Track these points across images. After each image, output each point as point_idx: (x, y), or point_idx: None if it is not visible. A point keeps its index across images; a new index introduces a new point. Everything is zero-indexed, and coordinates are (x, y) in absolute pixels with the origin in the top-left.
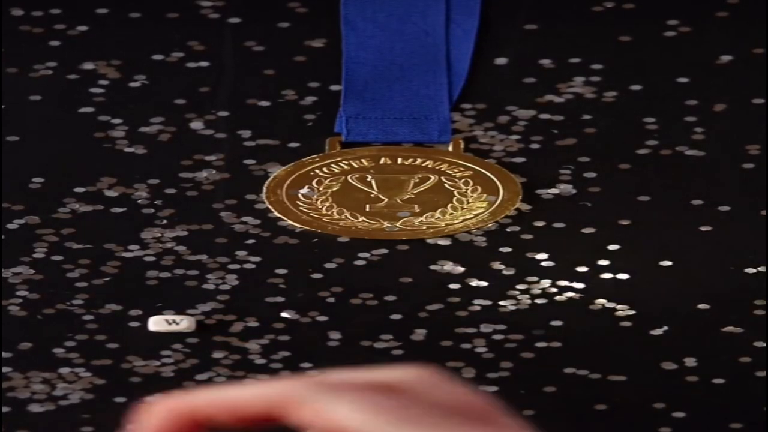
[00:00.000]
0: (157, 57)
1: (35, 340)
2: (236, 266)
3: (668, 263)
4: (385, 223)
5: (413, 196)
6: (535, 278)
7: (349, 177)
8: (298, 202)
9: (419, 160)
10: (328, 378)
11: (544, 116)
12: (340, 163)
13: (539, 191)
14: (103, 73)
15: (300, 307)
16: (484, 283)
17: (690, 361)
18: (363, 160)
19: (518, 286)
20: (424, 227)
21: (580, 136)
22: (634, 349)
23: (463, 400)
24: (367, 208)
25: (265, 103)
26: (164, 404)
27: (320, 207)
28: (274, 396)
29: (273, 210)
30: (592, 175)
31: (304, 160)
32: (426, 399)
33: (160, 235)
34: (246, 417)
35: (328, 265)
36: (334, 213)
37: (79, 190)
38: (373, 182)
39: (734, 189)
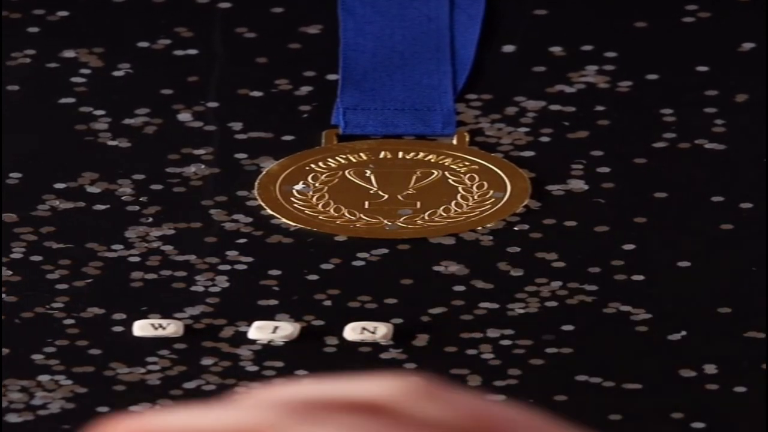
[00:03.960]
0: (143, 44)
1: (12, 346)
2: (227, 267)
3: (686, 264)
4: (385, 221)
5: (415, 192)
6: (544, 280)
7: (346, 172)
8: (292, 198)
9: (421, 154)
10: (303, 397)
11: (555, 107)
12: (338, 158)
13: (549, 187)
14: (84, 61)
15: (295, 311)
16: (491, 285)
17: (710, 368)
18: (362, 154)
19: (527, 289)
20: (427, 225)
21: (593, 129)
22: (650, 355)
23: (462, 415)
24: (366, 205)
25: (257, 94)
26: (123, 423)
27: (316, 204)
28: (244, 424)
29: (266, 207)
30: (606, 170)
31: (298, 154)
32: (416, 417)
33: (145, 234)
34: None
35: (324, 266)
36: (331, 210)
37: (60, 186)
38: (372, 178)
39: (757, 185)
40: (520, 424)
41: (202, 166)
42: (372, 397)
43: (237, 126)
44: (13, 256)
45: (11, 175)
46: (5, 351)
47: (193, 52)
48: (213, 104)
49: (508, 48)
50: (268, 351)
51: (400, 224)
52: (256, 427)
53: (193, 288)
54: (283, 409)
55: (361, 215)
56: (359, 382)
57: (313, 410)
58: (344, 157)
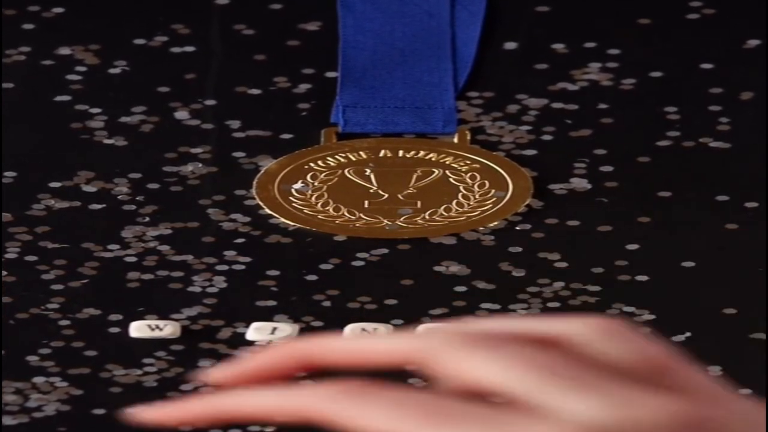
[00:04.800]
0: (139, 41)
1: (7, 348)
2: (224, 267)
3: (691, 264)
4: (385, 220)
5: (415, 191)
6: (547, 280)
7: (346, 171)
8: (291, 198)
9: (422, 153)
10: (473, 328)
11: (557, 105)
12: (337, 156)
13: (552, 186)
14: (80, 58)
15: (293, 312)
16: (492, 286)
17: (714, 370)
18: (361, 153)
19: (529, 289)
20: (427, 225)
21: (596, 127)
22: None
23: (637, 357)
24: (366, 205)
25: (255, 91)
26: (287, 347)
27: (315, 203)
28: (410, 350)
29: (264, 206)
30: (609, 168)
31: (297, 152)
32: (589, 355)
33: (142, 233)
34: (374, 367)
35: (323, 266)
36: (330, 210)
37: (55, 185)
38: (372, 176)
39: (762, 184)
40: (696, 377)
41: (200, 165)
42: (551, 333)
43: (235, 124)
44: (7, 256)
45: (6, 173)
46: (0, 352)
47: (190, 49)
48: (210, 102)
49: (510, 45)
50: None
51: (400, 224)
52: (420, 353)
53: (191, 288)
54: (449, 338)
55: (361, 215)
56: (544, 320)
57: (485, 339)
58: (344, 155)
